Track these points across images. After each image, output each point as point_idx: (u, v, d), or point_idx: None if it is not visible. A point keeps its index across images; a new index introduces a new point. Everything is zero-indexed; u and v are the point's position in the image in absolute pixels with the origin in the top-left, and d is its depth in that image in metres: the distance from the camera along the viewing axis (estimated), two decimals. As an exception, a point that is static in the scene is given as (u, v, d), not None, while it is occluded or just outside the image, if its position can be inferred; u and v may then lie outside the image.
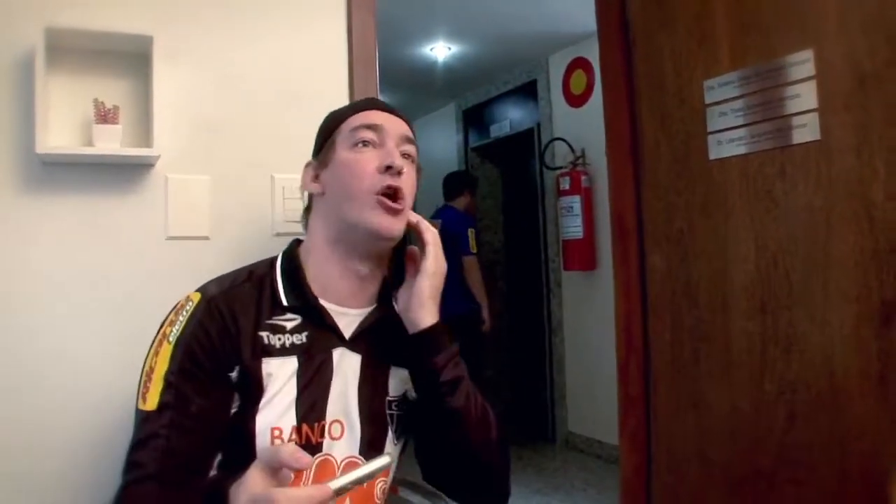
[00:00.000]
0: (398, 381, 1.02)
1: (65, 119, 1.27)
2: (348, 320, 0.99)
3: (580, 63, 3.95)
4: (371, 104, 1.04)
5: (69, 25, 1.24)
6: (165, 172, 1.33)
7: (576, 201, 3.78)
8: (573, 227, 3.80)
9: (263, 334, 0.93)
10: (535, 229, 4.48)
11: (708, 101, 1.61)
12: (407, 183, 0.97)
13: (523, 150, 4.66)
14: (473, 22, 3.67)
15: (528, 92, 4.48)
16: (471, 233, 3.96)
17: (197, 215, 1.35)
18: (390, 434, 1.00)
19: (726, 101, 1.57)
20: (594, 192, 3.74)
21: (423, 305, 0.97)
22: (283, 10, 1.45)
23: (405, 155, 0.99)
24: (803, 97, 1.41)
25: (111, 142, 1.26)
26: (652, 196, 1.80)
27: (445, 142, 5.39)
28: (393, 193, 0.95)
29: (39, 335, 1.24)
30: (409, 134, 1.02)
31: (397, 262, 1.05)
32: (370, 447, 0.96)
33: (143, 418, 0.86)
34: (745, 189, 1.53)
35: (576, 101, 4.03)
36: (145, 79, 1.30)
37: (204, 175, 1.36)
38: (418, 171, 1.04)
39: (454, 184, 4.20)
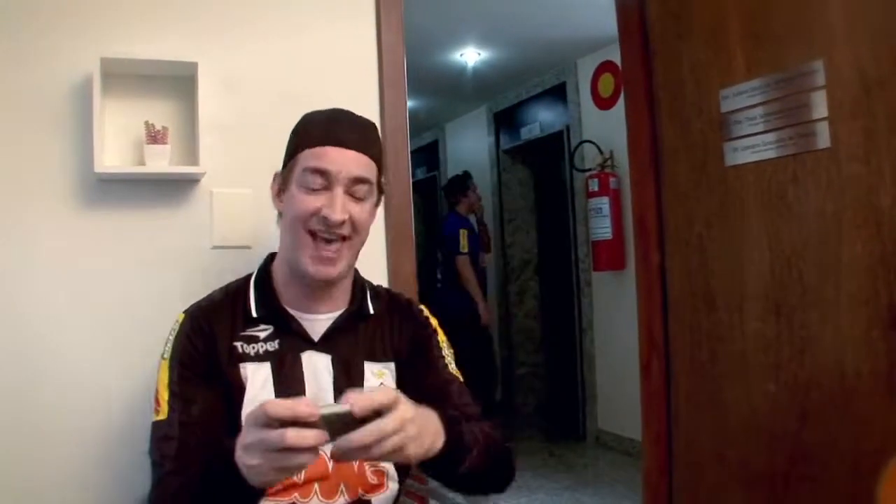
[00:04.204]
0: (373, 375, 1.10)
1: (119, 140, 1.40)
2: (318, 324, 1.08)
3: (608, 66, 3.99)
4: (331, 137, 1.02)
5: (122, 55, 1.37)
6: (210, 187, 1.45)
7: (604, 203, 3.82)
8: (602, 229, 3.84)
9: (238, 344, 1.04)
10: (566, 230, 4.53)
11: (724, 109, 1.66)
12: (349, 226, 1.01)
13: (553, 152, 4.71)
14: (502, 28, 3.73)
15: (557, 94, 4.53)
16: (462, 233, 4.16)
17: (240, 226, 1.47)
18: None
19: (741, 109, 1.61)
20: (622, 194, 3.77)
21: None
22: (317, 34, 1.56)
23: (354, 196, 1.02)
24: (814, 106, 1.45)
25: (161, 160, 1.38)
26: (672, 201, 1.86)
27: (477, 144, 5.46)
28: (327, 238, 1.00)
29: (98, 335, 1.37)
30: (362, 173, 1.02)
31: None
32: None
33: (157, 427, 0.98)
34: (760, 195, 1.58)
35: (604, 103, 4.07)
36: (191, 101, 1.41)
37: (246, 189, 1.47)
38: (381, 194, 1.09)
39: (450, 193, 4.48)
